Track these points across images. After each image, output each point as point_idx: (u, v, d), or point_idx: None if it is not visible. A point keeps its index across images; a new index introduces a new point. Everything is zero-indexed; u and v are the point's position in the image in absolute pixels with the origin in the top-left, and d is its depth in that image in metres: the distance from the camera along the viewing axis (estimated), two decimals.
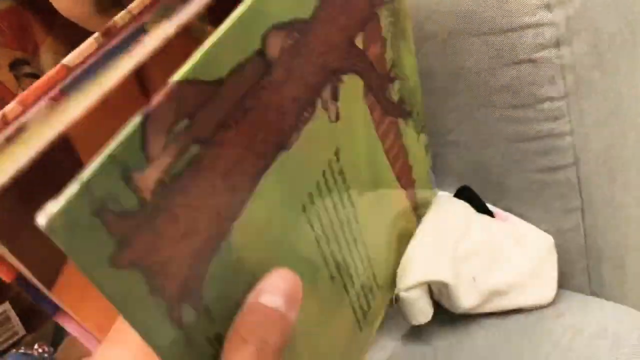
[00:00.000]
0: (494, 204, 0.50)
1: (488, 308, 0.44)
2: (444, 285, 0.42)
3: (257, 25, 0.23)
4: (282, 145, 0.25)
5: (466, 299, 0.43)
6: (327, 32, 0.27)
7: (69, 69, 0.24)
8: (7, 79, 0.43)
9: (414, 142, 0.41)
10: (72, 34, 0.44)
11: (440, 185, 0.52)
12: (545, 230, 0.47)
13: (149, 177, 0.18)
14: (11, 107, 0.23)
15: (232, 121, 0.22)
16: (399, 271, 0.43)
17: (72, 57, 0.25)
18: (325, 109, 0.28)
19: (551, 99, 0.42)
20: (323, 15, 0.26)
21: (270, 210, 0.25)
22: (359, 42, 0.30)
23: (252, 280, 0.23)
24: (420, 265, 0.43)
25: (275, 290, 0.23)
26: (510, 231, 0.47)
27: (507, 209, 0.49)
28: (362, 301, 0.37)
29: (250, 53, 0.22)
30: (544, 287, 0.45)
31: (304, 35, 0.25)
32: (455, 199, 0.50)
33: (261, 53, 0.23)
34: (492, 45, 0.43)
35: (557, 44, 0.40)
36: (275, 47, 0.24)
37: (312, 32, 0.26)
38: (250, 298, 0.22)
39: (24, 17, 0.45)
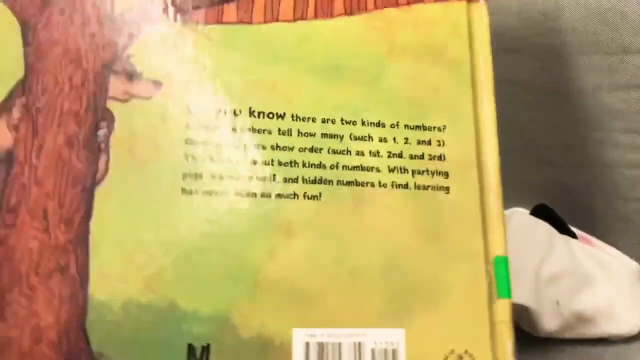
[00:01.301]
0: (578, 229, 0.48)
1: (571, 334, 0.43)
2: (523, 309, 0.41)
3: None
4: (90, 189, 0.25)
5: (548, 323, 0.42)
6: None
7: None
8: None
9: None
10: None
11: (519, 201, 0.50)
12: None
13: None
14: None
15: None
16: None
17: None
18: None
19: None
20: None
21: (129, 213, 0.25)
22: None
23: None
24: None
25: None
26: (596, 255, 0.45)
27: (592, 235, 0.47)
28: None
29: None
30: (631, 316, 0.43)
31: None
32: (536, 219, 0.49)
33: None
34: (602, 66, 0.41)
35: None
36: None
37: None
38: None
39: None
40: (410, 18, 0.30)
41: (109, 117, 0.26)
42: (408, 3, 0.30)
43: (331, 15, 0.29)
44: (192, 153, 0.26)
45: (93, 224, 0.25)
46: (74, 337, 0.23)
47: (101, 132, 0.26)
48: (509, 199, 0.48)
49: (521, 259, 0.43)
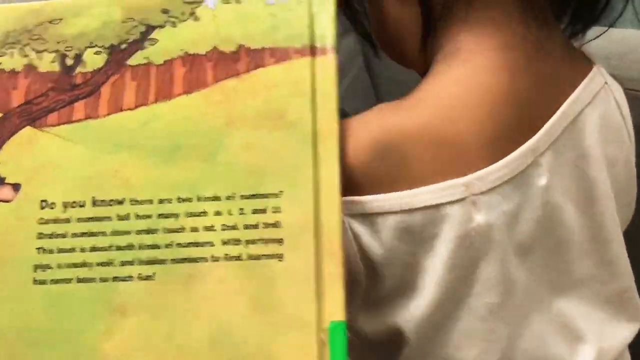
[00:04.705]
0: None
1: None
2: None
3: None
4: None
5: None
6: None
7: None
8: None
9: None
10: None
11: None
12: None
13: None
14: None
15: None
16: None
17: None
18: None
19: None
20: None
21: None
22: None
23: None
24: None
25: None
26: None
27: None
28: None
29: None
30: None
31: None
32: None
33: None
34: None
35: None
36: None
37: None
38: None
39: None
40: (249, 85, 0.31)
41: None
42: (248, 70, 0.31)
43: (170, 96, 0.31)
44: (43, 246, 0.29)
45: None
46: None
47: None
48: None
49: None
